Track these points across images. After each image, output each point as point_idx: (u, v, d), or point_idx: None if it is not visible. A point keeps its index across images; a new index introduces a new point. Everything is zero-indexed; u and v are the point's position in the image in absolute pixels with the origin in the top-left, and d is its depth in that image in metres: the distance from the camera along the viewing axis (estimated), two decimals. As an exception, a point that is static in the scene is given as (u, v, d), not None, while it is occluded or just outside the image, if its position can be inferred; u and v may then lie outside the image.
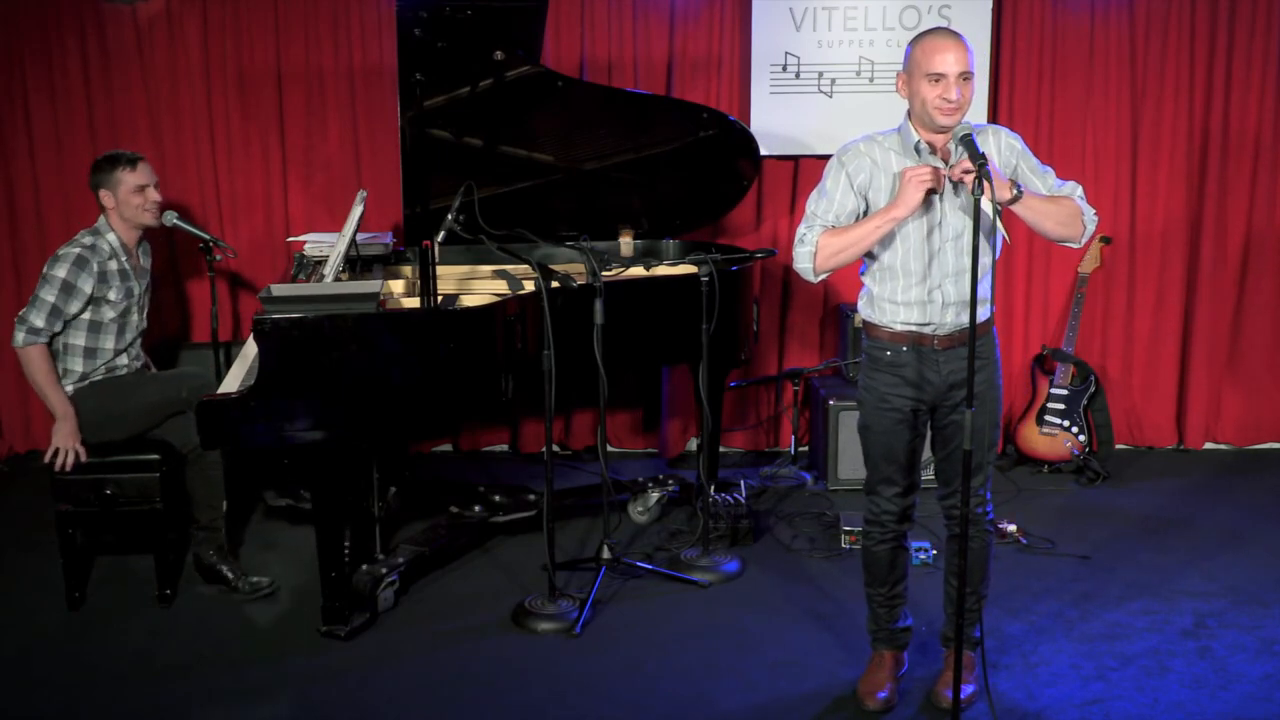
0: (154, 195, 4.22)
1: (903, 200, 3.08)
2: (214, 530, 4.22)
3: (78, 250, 4.08)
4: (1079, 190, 3.24)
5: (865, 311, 3.33)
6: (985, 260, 3.05)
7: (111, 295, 4.12)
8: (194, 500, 4.21)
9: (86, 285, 4.06)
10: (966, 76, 3.06)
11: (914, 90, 3.11)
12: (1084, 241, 3.25)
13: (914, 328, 3.23)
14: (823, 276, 3.25)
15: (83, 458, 4.01)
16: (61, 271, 4.04)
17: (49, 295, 4.03)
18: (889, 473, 3.33)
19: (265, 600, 4.10)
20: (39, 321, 4.02)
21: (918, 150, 3.15)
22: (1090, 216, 3.22)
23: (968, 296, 3.06)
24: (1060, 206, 3.18)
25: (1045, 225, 3.17)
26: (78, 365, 4.12)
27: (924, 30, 3.19)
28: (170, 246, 5.33)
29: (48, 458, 4.00)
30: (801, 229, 3.25)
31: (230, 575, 4.16)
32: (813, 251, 3.20)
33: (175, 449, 4.10)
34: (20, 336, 4.02)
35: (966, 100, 3.08)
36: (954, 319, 3.21)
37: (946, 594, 3.47)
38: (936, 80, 3.05)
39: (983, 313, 3.09)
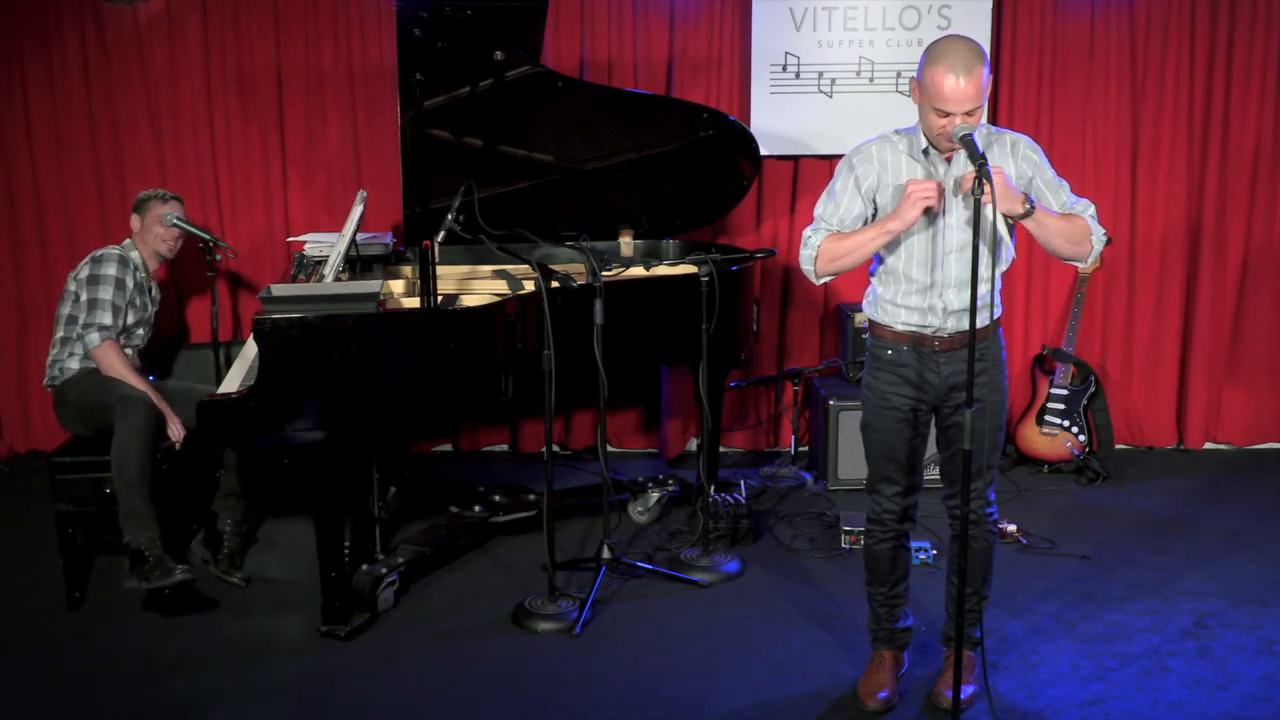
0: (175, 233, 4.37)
1: (900, 215, 3.06)
2: (240, 497, 4.31)
3: (118, 252, 4.20)
4: (1091, 209, 3.20)
5: (869, 310, 3.33)
6: (992, 269, 3.03)
7: (134, 305, 4.21)
8: (226, 467, 4.30)
9: (129, 281, 4.16)
10: (973, 113, 2.98)
11: (922, 106, 3.06)
12: (1090, 261, 3.21)
13: (915, 328, 3.23)
14: (825, 280, 3.26)
15: (184, 425, 4.06)
16: (111, 269, 4.12)
17: (106, 294, 4.10)
18: (889, 472, 3.33)
19: (266, 600, 4.10)
20: (107, 320, 4.10)
21: (926, 155, 3.14)
22: (1099, 237, 3.18)
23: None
24: (1071, 225, 3.14)
25: (1054, 242, 3.13)
26: (74, 365, 4.13)
27: (939, 41, 3.04)
28: (170, 246, 5.33)
29: (176, 437, 4.05)
30: (808, 231, 3.26)
31: (227, 547, 4.23)
32: (814, 255, 3.22)
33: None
34: (95, 337, 4.08)
35: (975, 123, 3.01)
36: (955, 324, 3.20)
37: (948, 593, 3.47)
38: (942, 115, 3.00)
39: (986, 317, 3.09)
